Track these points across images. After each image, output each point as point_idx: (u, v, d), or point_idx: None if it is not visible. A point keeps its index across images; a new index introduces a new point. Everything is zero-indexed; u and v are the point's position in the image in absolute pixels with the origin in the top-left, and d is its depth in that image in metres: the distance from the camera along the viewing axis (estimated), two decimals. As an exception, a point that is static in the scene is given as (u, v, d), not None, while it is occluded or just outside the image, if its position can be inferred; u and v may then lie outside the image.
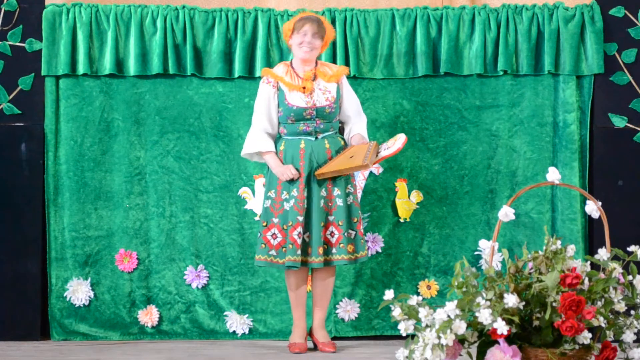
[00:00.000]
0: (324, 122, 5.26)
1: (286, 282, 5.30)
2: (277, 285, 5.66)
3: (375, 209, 5.70)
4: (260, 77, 5.60)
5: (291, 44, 5.30)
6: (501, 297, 3.93)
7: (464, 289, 4.01)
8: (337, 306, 5.65)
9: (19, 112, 5.61)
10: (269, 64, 5.62)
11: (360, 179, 5.66)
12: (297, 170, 5.19)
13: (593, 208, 4.23)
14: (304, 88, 5.22)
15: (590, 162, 5.69)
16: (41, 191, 5.60)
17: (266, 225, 5.23)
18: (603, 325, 4.00)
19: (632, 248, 4.18)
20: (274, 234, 5.21)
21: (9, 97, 5.61)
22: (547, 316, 3.89)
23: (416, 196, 5.70)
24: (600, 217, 4.23)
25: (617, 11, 5.69)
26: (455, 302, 3.94)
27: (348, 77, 5.46)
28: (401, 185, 5.69)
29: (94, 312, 5.63)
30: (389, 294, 4.07)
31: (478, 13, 5.67)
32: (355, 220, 5.25)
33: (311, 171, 5.21)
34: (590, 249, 5.66)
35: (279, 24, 5.65)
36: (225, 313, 5.65)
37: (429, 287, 5.70)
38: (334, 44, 5.63)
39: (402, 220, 5.71)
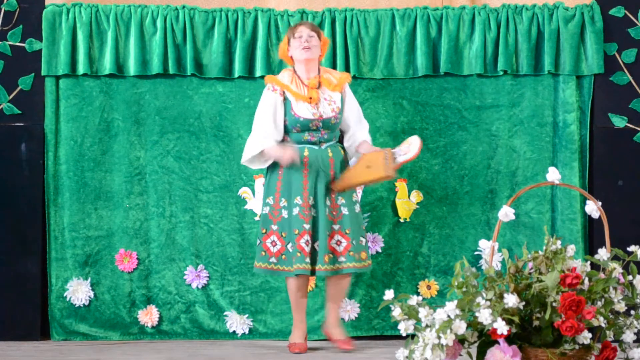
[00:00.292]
0: (328, 132, 5.25)
1: (288, 287, 5.28)
2: (277, 286, 5.66)
3: (375, 209, 5.70)
4: (260, 78, 5.61)
5: (291, 55, 5.27)
6: (501, 297, 3.93)
7: (464, 289, 4.01)
8: (337, 306, 5.66)
9: (19, 112, 5.61)
10: (269, 64, 5.62)
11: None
12: (301, 175, 5.17)
13: (593, 208, 4.23)
14: (310, 98, 5.20)
15: (590, 162, 5.69)
16: (41, 191, 5.60)
17: (265, 233, 5.22)
18: (603, 325, 4.00)
19: (632, 248, 4.18)
20: (274, 241, 5.20)
21: (9, 97, 5.61)
22: (547, 316, 3.89)
23: (416, 196, 5.70)
24: (600, 217, 4.23)
25: (617, 11, 5.69)
26: (455, 302, 3.94)
27: (348, 77, 5.47)
28: (401, 185, 5.68)
29: (94, 312, 5.63)
30: (389, 294, 4.07)
31: (478, 13, 5.67)
32: (364, 227, 5.27)
33: (316, 179, 5.19)
34: (590, 249, 5.65)
35: (279, 24, 5.65)
36: (225, 313, 5.65)
37: (429, 287, 5.70)
38: (333, 44, 5.62)
39: (402, 220, 5.70)
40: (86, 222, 5.64)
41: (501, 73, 5.69)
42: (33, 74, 5.63)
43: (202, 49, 5.66)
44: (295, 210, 5.16)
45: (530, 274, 4.07)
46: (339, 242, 5.18)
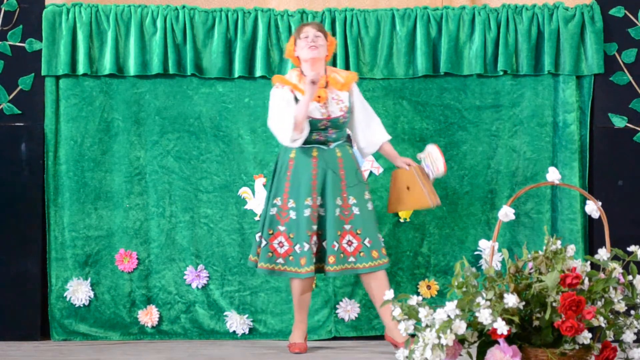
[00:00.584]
0: (337, 131, 5.23)
1: (292, 287, 5.26)
2: (277, 286, 5.66)
3: (375, 208, 5.69)
4: (260, 78, 5.62)
5: (298, 56, 5.26)
6: (501, 297, 3.92)
7: (464, 289, 4.01)
8: (337, 306, 5.65)
9: (19, 112, 5.61)
10: (269, 64, 5.62)
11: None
12: (310, 176, 5.15)
13: (593, 208, 4.23)
14: (319, 97, 5.18)
15: (590, 162, 5.69)
16: (41, 191, 5.60)
17: (272, 234, 5.21)
18: (603, 325, 4.00)
19: (632, 248, 4.18)
20: (281, 242, 5.17)
21: (9, 97, 5.61)
22: (547, 316, 3.89)
23: (416, 196, 5.70)
24: (600, 217, 4.23)
25: (617, 11, 5.69)
26: (455, 302, 3.94)
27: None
28: (401, 185, 5.69)
29: (94, 312, 5.63)
30: (389, 294, 4.07)
31: (478, 13, 5.66)
32: (378, 224, 5.26)
33: (324, 179, 5.17)
34: (590, 249, 5.65)
35: (279, 24, 5.65)
36: (225, 313, 5.65)
37: (429, 287, 5.70)
38: (334, 44, 5.63)
39: (402, 220, 5.70)
40: (86, 222, 5.64)
41: (501, 73, 5.69)
42: (33, 74, 5.63)
43: (202, 49, 5.66)
44: (307, 212, 5.12)
45: (530, 274, 4.07)
46: (350, 243, 5.16)
